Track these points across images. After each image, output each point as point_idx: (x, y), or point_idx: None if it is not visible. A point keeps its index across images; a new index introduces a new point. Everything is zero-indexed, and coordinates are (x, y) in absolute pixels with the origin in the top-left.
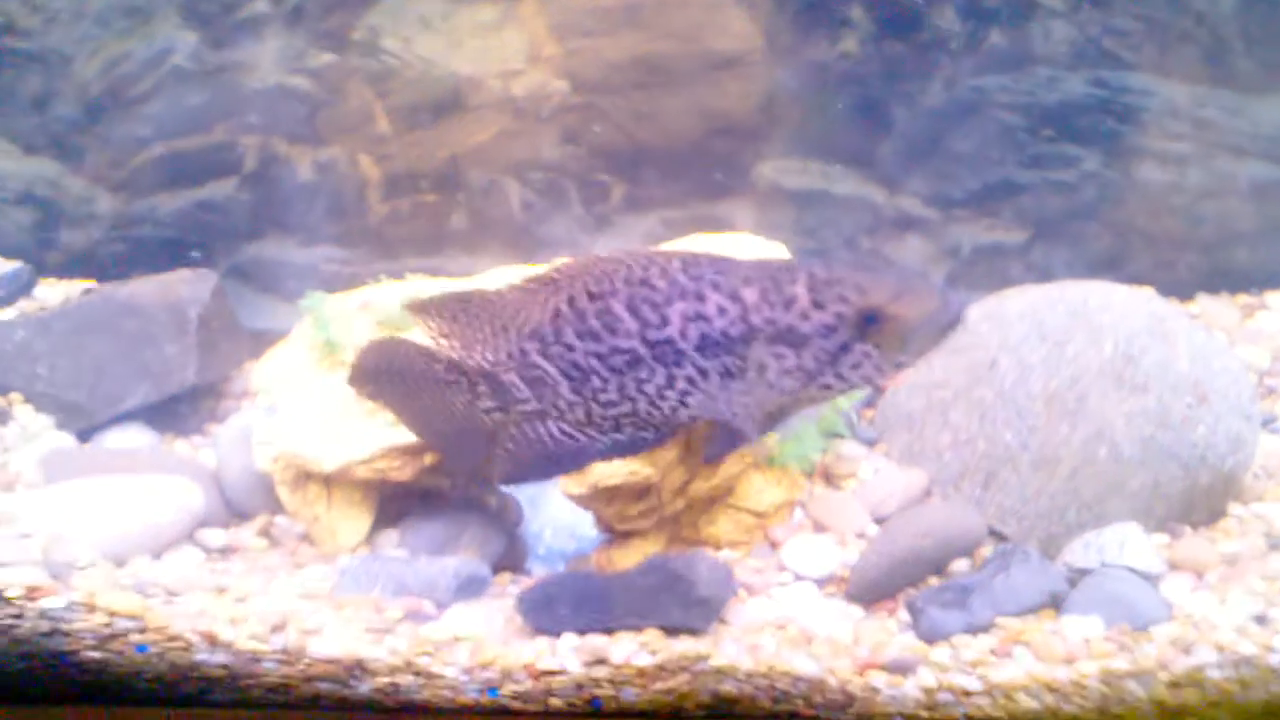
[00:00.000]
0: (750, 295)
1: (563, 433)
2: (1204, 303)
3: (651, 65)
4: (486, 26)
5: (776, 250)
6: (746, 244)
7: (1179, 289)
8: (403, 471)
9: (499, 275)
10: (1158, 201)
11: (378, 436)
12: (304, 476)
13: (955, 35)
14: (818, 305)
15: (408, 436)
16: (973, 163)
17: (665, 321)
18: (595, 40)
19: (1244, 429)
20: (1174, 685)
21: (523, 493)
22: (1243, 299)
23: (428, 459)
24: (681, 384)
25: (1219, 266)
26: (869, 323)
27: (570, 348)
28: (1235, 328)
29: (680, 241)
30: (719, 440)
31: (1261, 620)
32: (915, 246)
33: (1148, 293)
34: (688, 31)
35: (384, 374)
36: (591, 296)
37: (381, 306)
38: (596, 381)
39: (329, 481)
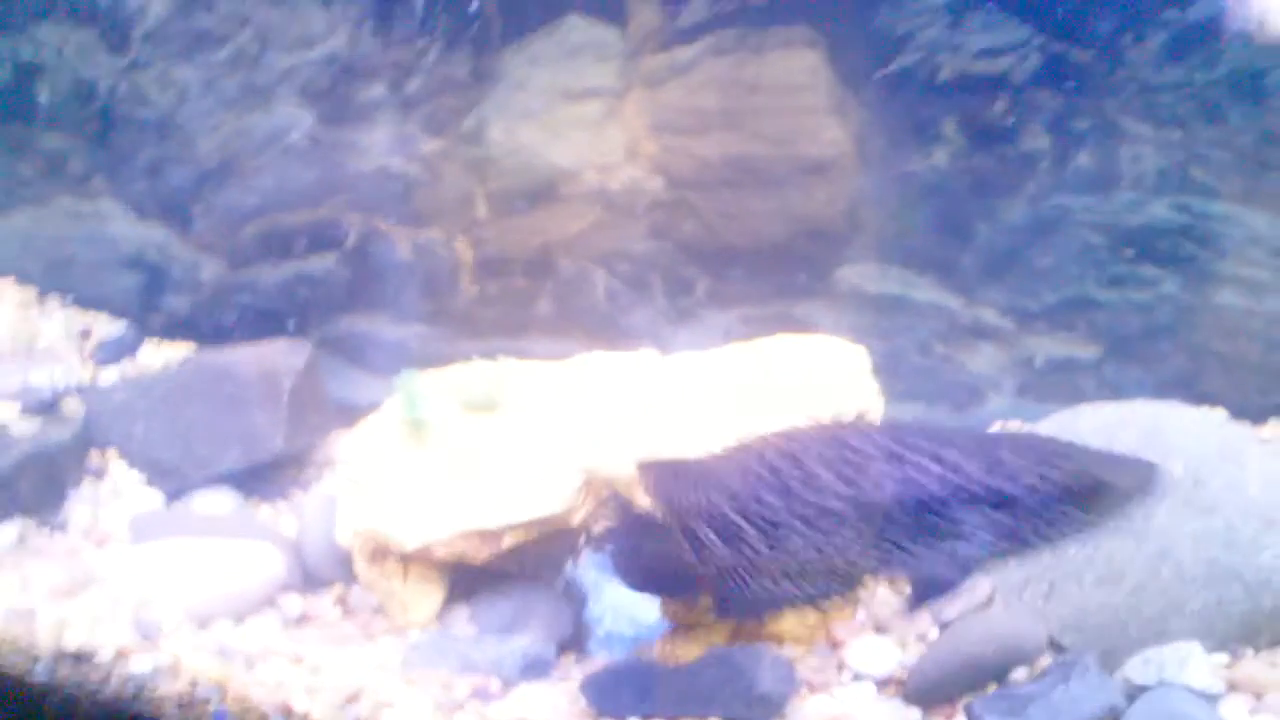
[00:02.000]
0: (951, 456)
1: (760, 586)
2: (1276, 427)
3: (743, 166)
4: (589, 122)
5: (858, 352)
6: (828, 344)
7: (1251, 413)
8: (480, 553)
9: (584, 361)
10: (1233, 326)
11: (459, 518)
12: (382, 551)
13: (1044, 154)
14: (1022, 469)
15: (488, 519)
16: (1051, 277)
17: (863, 481)
18: (690, 139)
19: None
20: None
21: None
22: None
23: (505, 542)
24: (881, 541)
25: None
26: (1069, 486)
27: (763, 503)
28: None
29: (764, 340)
30: (917, 592)
31: None
32: (988, 354)
33: (1220, 415)
34: (780, 135)
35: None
36: (791, 458)
37: (471, 387)
38: (791, 536)
39: (406, 557)
